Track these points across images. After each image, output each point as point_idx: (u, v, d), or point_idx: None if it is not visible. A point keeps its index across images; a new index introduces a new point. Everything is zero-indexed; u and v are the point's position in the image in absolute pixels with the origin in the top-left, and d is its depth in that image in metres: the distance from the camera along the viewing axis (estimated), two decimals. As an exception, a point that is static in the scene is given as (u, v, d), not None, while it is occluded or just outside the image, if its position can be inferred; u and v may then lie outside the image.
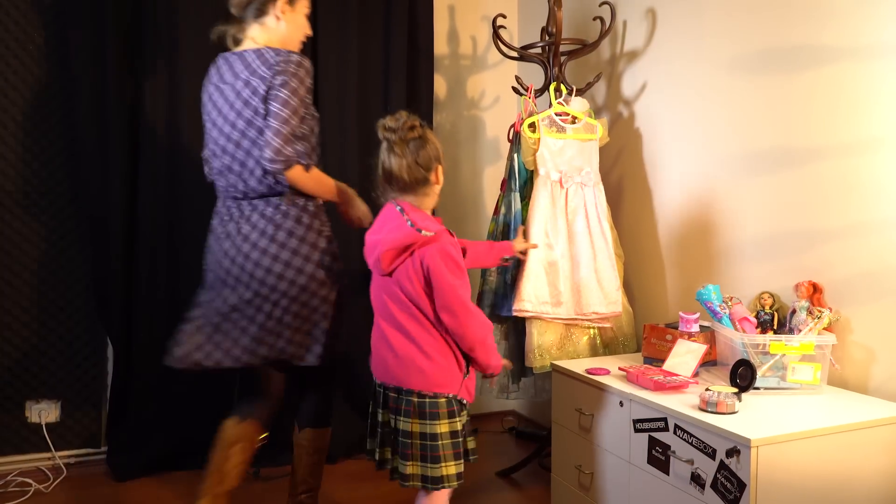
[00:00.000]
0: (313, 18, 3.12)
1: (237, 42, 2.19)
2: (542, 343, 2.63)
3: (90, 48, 2.87)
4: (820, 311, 2.06)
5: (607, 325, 2.71)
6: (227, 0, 2.17)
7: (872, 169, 2.03)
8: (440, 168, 1.94)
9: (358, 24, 3.26)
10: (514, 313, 2.62)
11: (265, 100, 2.03)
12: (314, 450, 2.39)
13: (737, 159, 2.47)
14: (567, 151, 2.72)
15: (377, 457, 1.98)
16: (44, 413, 2.98)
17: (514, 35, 3.71)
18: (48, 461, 2.99)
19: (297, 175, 2.06)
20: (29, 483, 2.83)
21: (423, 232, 1.83)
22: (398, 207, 1.89)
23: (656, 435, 1.98)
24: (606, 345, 2.75)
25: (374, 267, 1.94)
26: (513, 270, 2.69)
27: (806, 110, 2.22)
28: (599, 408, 2.23)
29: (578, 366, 2.41)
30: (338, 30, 3.22)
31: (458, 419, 1.89)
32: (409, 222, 1.85)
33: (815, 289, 2.14)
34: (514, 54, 3.07)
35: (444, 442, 1.86)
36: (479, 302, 2.78)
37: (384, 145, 1.91)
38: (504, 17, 3.09)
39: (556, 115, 2.73)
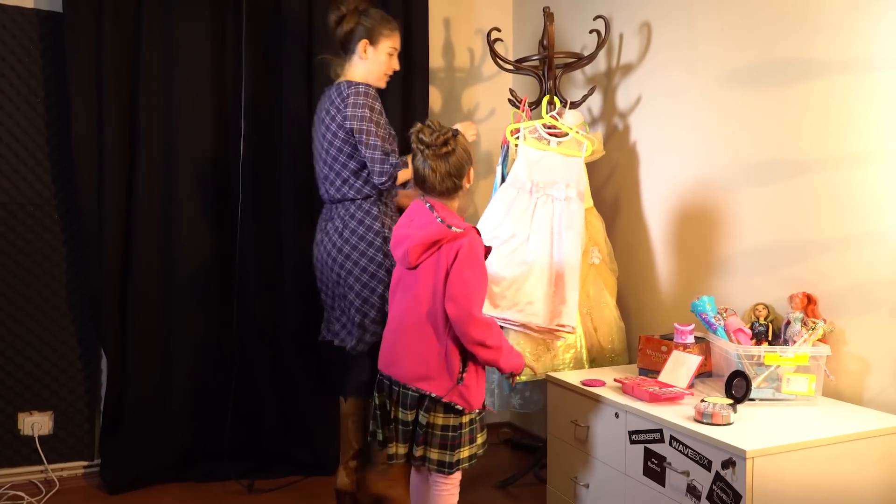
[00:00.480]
0: (308, 32, 3.16)
1: (336, 75, 2.65)
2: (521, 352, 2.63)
3: (87, 58, 2.87)
4: (814, 323, 2.07)
5: (559, 338, 2.64)
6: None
7: (864, 181, 2.04)
8: (471, 170, 2.04)
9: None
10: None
11: (341, 127, 2.50)
12: (359, 417, 2.64)
13: (731, 171, 2.49)
14: (545, 163, 2.72)
15: (390, 451, 2.06)
16: (36, 425, 2.96)
17: (510, 48, 3.73)
18: (41, 474, 2.97)
19: (400, 178, 2.52)
20: (21, 496, 2.81)
21: (453, 228, 1.93)
22: (428, 204, 2.00)
23: (652, 446, 1.98)
24: (593, 359, 2.74)
25: (401, 260, 2.04)
26: None
27: (798, 123, 2.24)
28: (595, 419, 2.23)
29: (574, 377, 2.41)
30: (333, 43, 3.23)
31: (443, 415, 1.96)
32: (438, 219, 1.95)
33: (810, 300, 2.15)
34: (510, 67, 3.09)
35: (431, 431, 1.97)
36: None
37: (419, 155, 2.00)
38: (499, 30, 3.11)
39: (545, 126, 2.74)
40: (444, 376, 1.95)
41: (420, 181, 2.02)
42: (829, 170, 2.15)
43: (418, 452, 1.99)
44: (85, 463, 3.07)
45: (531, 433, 3.60)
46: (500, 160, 2.88)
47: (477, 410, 2.02)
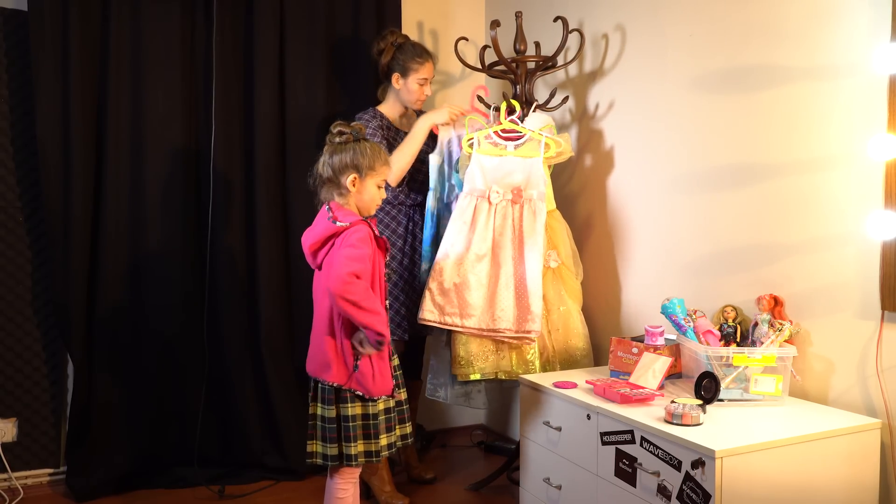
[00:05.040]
0: (280, 40, 3.15)
1: (378, 97, 3.06)
2: (465, 353, 2.64)
3: (52, 62, 2.82)
4: (781, 324, 2.11)
5: (527, 342, 2.66)
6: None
7: (828, 185, 2.09)
8: (357, 177, 2.11)
9: (325, 38, 3.27)
10: (418, 321, 2.69)
11: None
12: (411, 397, 2.73)
13: (699, 176, 2.52)
14: (503, 168, 2.71)
15: (308, 448, 2.14)
16: (0, 433, 2.90)
17: (484, 51, 3.74)
18: (4, 482, 2.90)
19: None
20: (-16, 505, 2.75)
21: (338, 223, 2.06)
22: (327, 207, 2.12)
23: (623, 447, 1.99)
24: (546, 362, 2.73)
25: (309, 262, 2.17)
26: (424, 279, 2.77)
27: (765, 128, 2.28)
28: (567, 421, 2.24)
29: (545, 379, 2.43)
30: (305, 45, 3.22)
31: (350, 405, 2.07)
32: (329, 217, 2.08)
33: (777, 302, 2.19)
34: (481, 70, 3.10)
35: (340, 424, 2.07)
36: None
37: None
38: (466, 39, 3.23)
39: (502, 132, 2.75)
40: (341, 366, 2.07)
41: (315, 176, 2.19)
42: (794, 174, 2.19)
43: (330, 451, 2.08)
44: (50, 470, 3.02)
45: (504, 435, 3.61)
46: (452, 165, 2.89)
47: (386, 397, 2.12)
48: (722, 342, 2.21)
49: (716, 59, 2.45)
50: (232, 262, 3.13)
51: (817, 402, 2.11)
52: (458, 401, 2.85)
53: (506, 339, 2.65)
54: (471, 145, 2.73)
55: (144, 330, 3.02)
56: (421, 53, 2.91)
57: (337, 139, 2.14)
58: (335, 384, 2.07)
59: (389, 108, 2.97)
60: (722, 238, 2.43)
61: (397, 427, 2.19)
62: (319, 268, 2.13)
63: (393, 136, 2.92)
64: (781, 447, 1.78)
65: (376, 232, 2.12)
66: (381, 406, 2.11)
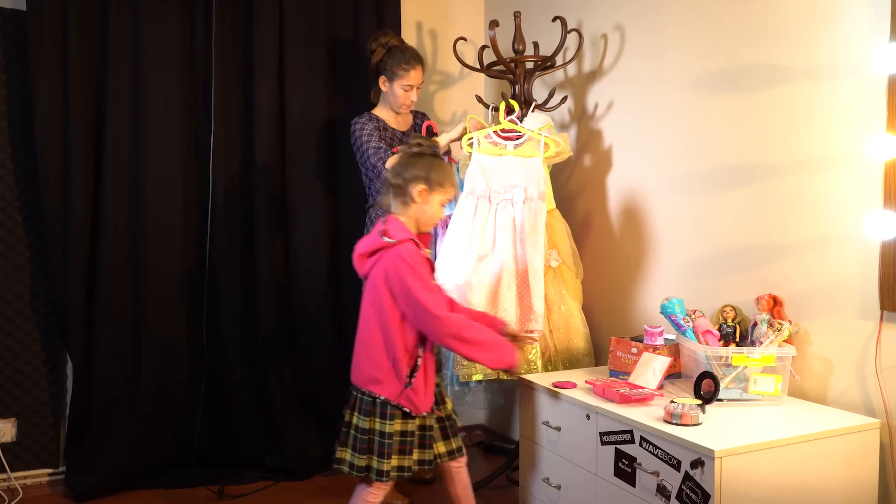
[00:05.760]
0: (279, 41, 3.15)
1: (371, 98, 3.07)
2: None
3: (51, 62, 2.82)
4: (780, 324, 2.11)
5: (529, 343, 2.65)
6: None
7: (827, 185, 2.09)
8: (426, 189, 2.13)
9: (325, 39, 3.27)
10: None
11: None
12: None
13: (698, 175, 2.52)
14: (503, 168, 2.71)
15: (336, 454, 2.14)
16: (-1, 433, 2.90)
17: (484, 51, 3.74)
18: (3, 483, 2.90)
19: (389, 163, 2.69)
20: (-17, 505, 2.75)
21: (385, 238, 2.07)
22: (384, 219, 2.15)
23: (623, 447, 1.99)
24: (548, 361, 2.73)
25: (357, 270, 2.19)
26: None
27: (765, 128, 2.28)
28: (566, 421, 2.24)
29: (545, 379, 2.43)
30: (304, 46, 3.22)
31: (388, 422, 2.06)
32: (381, 231, 2.10)
33: (776, 302, 2.19)
34: (480, 71, 3.10)
35: (372, 437, 2.07)
36: None
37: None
38: (465, 39, 3.22)
39: (502, 132, 2.74)
40: (393, 381, 2.06)
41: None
42: (794, 174, 2.19)
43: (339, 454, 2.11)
44: (49, 471, 3.01)
45: (503, 435, 3.61)
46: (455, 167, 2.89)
47: (425, 414, 2.12)
48: (721, 342, 2.21)
49: (715, 59, 2.45)
50: (231, 262, 3.13)
51: (816, 401, 2.11)
52: (459, 401, 2.85)
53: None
54: (471, 145, 2.73)
55: (144, 330, 3.02)
56: (408, 60, 2.88)
57: (414, 149, 2.19)
58: (383, 398, 2.06)
59: (383, 110, 2.97)
60: (721, 238, 2.43)
61: (440, 442, 2.19)
62: (366, 277, 2.14)
63: (390, 136, 2.92)
64: (780, 447, 1.78)
65: (425, 252, 2.13)
66: (420, 423, 2.12)
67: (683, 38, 2.57)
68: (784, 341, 2.09)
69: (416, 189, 2.12)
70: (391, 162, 2.70)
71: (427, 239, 2.20)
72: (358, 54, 3.29)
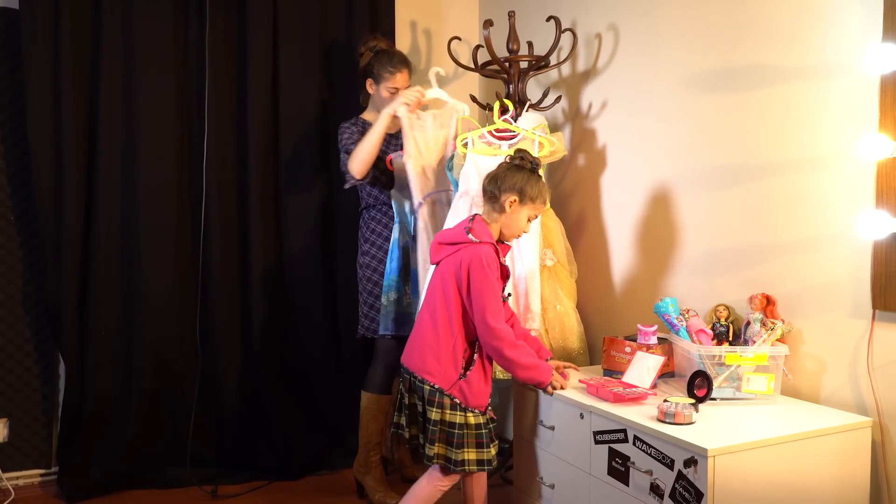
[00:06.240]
0: (273, 40, 3.14)
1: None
2: None
3: (43, 60, 2.81)
4: (773, 323, 2.12)
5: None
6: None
7: (820, 185, 2.10)
8: (517, 203, 2.19)
9: (318, 39, 3.26)
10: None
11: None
12: (370, 412, 2.88)
13: (691, 175, 2.53)
14: None
15: (406, 434, 2.24)
16: (-9, 433, 2.89)
17: (478, 51, 3.74)
18: (-5, 483, 2.89)
19: (351, 166, 2.82)
20: (-26, 506, 2.73)
21: (470, 236, 2.14)
22: (471, 217, 2.21)
23: (616, 446, 2.00)
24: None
25: (430, 255, 2.26)
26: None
27: (758, 128, 2.28)
28: (560, 420, 2.25)
29: (539, 378, 2.42)
30: (298, 45, 3.21)
31: (449, 411, 2.13)
32: (466, 228, 2.16)
33: (769, 301, 2.20)
34: (474, 70, 3.11)
35: (434, 427, 2.12)
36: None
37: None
38: (459, 39, 3.21)
39: (496, 131, 2.74)
40: (449, 369, 2.13)
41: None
42: (787, 174, 2.20)
43: (430, 451, 2.14)
44: (42, 471, 3.00)
45: (498, 435, 3.61)
46: (447, 167, 2.89)
47: (480, 412, 2.17)
48: (714, 341, 2.21)
49: (708, 58, 2.45)
50: (225, 261, 3.12)
51: (809, 400, 2.12)
52: None
53: None
54: (465, 145, 2.73)
55: (137, 330, 3.01)
56: (395, 63, 2.88)
57: (517, 161, 2.24)
58: (437, 386, 2.13)
59: (371, 114, 2.95)
60: (714, 237, 2.44)
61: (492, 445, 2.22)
62: (437, 264, 2.21)
63: (383, 142, 2.90)
64: (773, 446, 1.79)
65: (503, 260, 2.19)
66: (473, 420, 2.16)
67: (677, 38, 2.58)
68: (777, 340, 2.09)
69: (509, 199, 2.17)
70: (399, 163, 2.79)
71: (506, 249, 2.26)
72: (352, 54, 3.29)
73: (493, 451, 2.18)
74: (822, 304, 2.09)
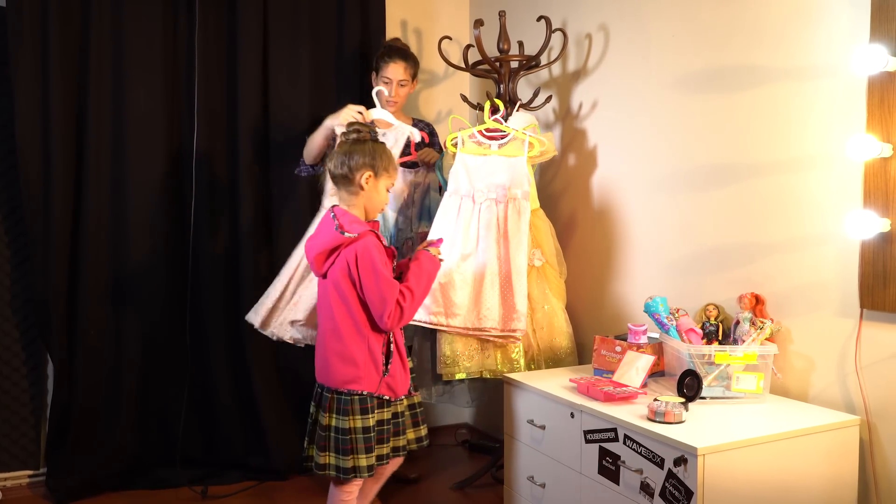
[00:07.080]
0: (263, 39, 3.12)
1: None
2: (451, 352, 2.63)
3: (31, 58, 2.78)
4: (762, 322, 2.13)
5: (512, 341, 2.66)
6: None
7: (808, 185, 2.11)
8: (372, 176, 2.10)
9: (309, 38, 3.25)
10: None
11: None
12: None
13: (681, 175, 2.54)
14: (487, 167, 2.70)
15: (318, 460, 2.12)
16: (-22, 434, 2.87)
17: (468, 50, 3.74)
18: (-18, 484, 2.87)
19: (307, 153, 2.85)
20: (-39, 508, 2.71)
21: (346, 234, 2.04)
22: (332, 214, 2.10)
23: (606, 445, 2.00)
24: (531, 360, 2.73)
25: (313, 270, 2.16)
26: None
27: (747, 128, 2.29)
28: (551, 419, 2.25)
29: (529, 378, 2.43)
30: (288, 42, 3.20)
31: (370, 416, 2.09)
32: (336, 226, 2.06)
33: (758, 300, 2.21)
34: (465, 70, 3.11)
35: (355, 436, 2.06)
36: None
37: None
38: (450, 38, 3.21)
39: (486, 131, 2.74)
40: (371, 372, 2.09)
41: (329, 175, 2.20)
42: (775, 174, 2.21)
43: (321, 460, 2.10)
44: (30, 472, 2.98)
45: (488, 434, 3.62)
46: (436, 166, 2.89)
47: (397, 401, 2.18)
48: (704, 340, 2.23)
49: (698, 59, 2.46)
50: (215, 261, 3.10)
51: (798, 399, 2.13)
52: (441, 399, 2.85)
53: (491, 338, 2.65)
54: (455, 144, 2.73)
55: (126, 330, 2.99)
56: (390, 54, 2.93)
57: (353, 136, 2.15)
58: (365, 392, 2.08)
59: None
60: (704, 237, 2.45)
61: (410, 430, 2.25)
62: (325, 276, 2.11)
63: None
64: (763, 444, 1.80)
65: (383, 240, 2.14)
66: (393, 411, 2.17)
67: (667, 39, 2.59)
68: (766, 339, 2.11)
69: (364, 176, 2.11)
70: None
71: (376, 227, 2.18)
72: (343, 52, 3.29)
73: (390, 444, 2.18)
74: (810, 303, 2.11)
